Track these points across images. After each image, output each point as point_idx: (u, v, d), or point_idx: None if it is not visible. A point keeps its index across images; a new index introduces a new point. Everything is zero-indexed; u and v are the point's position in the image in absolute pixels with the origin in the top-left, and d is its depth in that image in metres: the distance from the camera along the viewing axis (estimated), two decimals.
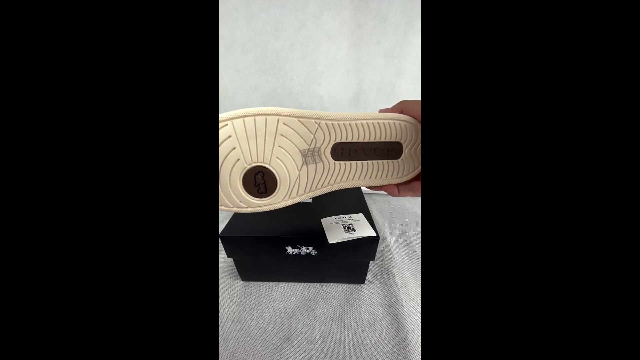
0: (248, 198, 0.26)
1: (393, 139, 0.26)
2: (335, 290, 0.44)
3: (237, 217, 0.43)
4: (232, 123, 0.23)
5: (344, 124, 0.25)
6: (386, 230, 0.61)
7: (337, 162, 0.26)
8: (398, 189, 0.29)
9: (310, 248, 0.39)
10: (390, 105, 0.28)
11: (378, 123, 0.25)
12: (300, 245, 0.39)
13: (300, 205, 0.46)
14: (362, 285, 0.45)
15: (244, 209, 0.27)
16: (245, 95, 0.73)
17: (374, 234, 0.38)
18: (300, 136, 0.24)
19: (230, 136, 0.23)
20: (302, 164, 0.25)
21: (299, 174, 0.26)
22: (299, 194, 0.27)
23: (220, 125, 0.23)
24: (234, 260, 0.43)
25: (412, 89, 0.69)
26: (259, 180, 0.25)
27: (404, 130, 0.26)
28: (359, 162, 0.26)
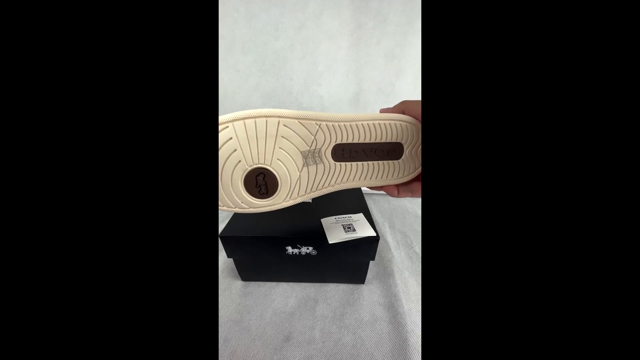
0: (249, 199, 0.27)
1: (394, 140, 0.26)
2: (335, 290, 0.44)
3: (237, 217, 0.43)
4: (233, 125, 0.23)
5: (344, 125, 0.25)
6: (386, 230, 0.61)
7: (338, 163, 0.26)
8: (398, 189, 0.29)
9: (310, 248, 0.39)
10: (390, 105, 0.28)
11: (379, 124, 0.25)
12: (300, 245, 0.39)
13: (300, 205, 0.46)
14: (362, 285, 0.45)
15: (245, 210, 0.27)
16: (245, 95, 0.73)
17: (374, 234, 0.38)
18: (301, 138, 0.24)
19: (231, 138, 0.23)
20: (303, 165, 0.26)
21: (299, 175, 0.26)
22: (299, 194, 0.28)
23: (220, 127, 0.23)
24: (234, 260, 0.43)
25: (412, 89, 0.69)
26: (260, 182, 0.26)
27: (405, 130, 0.26)
28: (360, 163, 0.27)
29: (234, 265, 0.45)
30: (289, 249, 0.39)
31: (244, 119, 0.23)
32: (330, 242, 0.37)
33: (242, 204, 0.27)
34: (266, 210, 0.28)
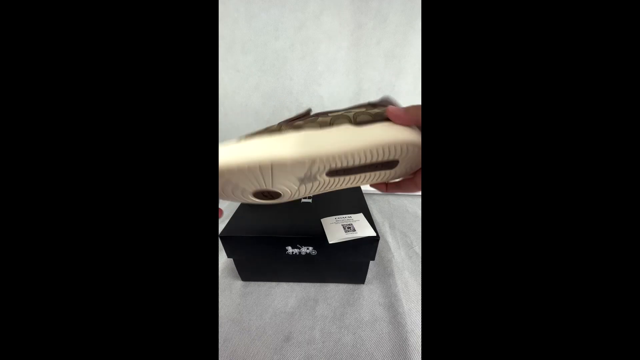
0: (256, 200, 0.29)
1: (391, 159, 0.26)
2: (335, 290, 0.44)
3: (237, 217, 0.43)
4: (229, 173, 0.23)
5: (340, 156, 0.24)
6: (386, 230, 0.61)
7: (333, 178, 0.27)
8: (386, 187, 0.31)
9: (310, 248, 0.39)
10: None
11: (377, 150, 0.24)
12: (300, 245, 0.39)
13: (300, 205, 0.46)
14: (362, 285, 0.45)
15: (248, 202, 0.30)
16: (245, 95, 0.74)
17: (374, 234, 0.38)
18: (296, 172, 0.25)
19: (230, 179, 0.24)
20: (300, 184, 0.27)
21: (298, 188, 0.28)
22: (300, 196, 0.30)
23: (219, 172, 0.23)
24: (234, 260, 0.43)
25: (412, 89, 0.69)
26: (265, 193, 0.28)
27: (405, 151, 0.25)
28: (354, 176, 0.28)
29: (234, 265, 0.45)
30: (289, 249, 0.39)
31: (238, 166, 0.23)
32: (330, 242, 0.37)
33: (248, 201, 0.29)
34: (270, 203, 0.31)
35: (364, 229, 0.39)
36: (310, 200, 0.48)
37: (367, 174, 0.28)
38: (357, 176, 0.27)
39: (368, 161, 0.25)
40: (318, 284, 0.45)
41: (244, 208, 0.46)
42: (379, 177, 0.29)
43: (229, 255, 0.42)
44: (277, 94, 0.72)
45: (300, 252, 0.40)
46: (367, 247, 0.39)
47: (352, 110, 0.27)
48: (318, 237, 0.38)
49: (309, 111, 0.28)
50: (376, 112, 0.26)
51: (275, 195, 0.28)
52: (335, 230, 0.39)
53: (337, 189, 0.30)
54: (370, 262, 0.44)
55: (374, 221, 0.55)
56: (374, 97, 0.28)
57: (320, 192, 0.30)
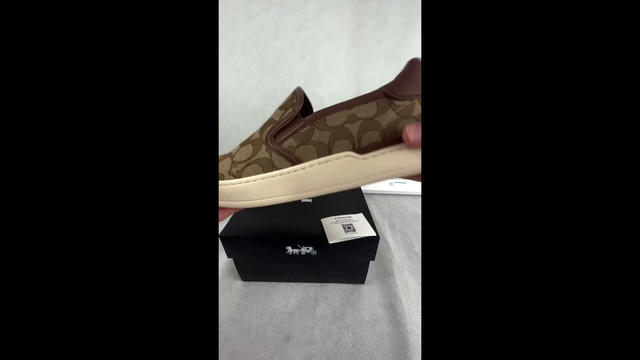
0: None
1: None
2: (335, 290, 0.44)
3: (237, 217, 0.43)
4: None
5: (339, 189, 0.23)
6: (386, 230, 0.61)
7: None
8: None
9: (310, 248, 0.39)
10: None
11: (387, 177, 0.22)
12: (300, 245, 0.39)
13: (300, 205, 0.46)
14: (362, 285, 0.45)
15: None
16: (245, 95, 0.74)
17: (374, 234, 0.38)
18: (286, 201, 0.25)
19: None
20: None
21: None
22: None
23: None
24: (234, 260, 0.43)
25: None
26: None
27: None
28: None
29: (234, 265, 0.45)
30: (289, 249, 0.39)
31: (234, 209, 0.25)
32: (330, 242, 0.37)
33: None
34: None
35: (364, 229, 0.39)
36: (310, 201, 0.48)
37: None
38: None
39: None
40: (318, 284, 0.45)
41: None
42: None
43: (229, 255, 0.42)
44: (277, 94, 0.72)
45: (300, 252, 0.40)
46: (367, 247, 0.39)
47: (357, 116, 0.21)
48: (318, 237, 0.38)
49: (297, 116, 0.22)
50: (390, 121, 0.20)
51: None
52: (335, 230, 0.39)
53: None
54: (370, 262, 0.44)
55: (374, 221, 0.55)
56: None
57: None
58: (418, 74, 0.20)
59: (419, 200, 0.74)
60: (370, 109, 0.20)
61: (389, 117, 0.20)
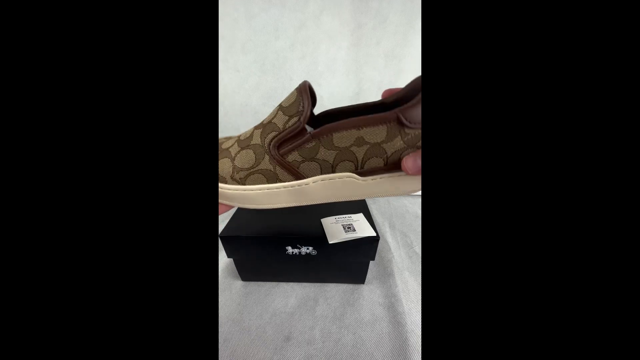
0: None
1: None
2: (335, 290, 0.44)
3: (237, 217, 0.43)
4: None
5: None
6: (386, 230, 0.61)
7: None
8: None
9: (310, 248, 0.39)
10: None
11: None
12: (300, 245, 0.39)
13: (300, 206, 0.46)
14: (362, 285, 0.45)
15: None
16: (245, 95, 0.73)
17: (374, 234, 0.38)
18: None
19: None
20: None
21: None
22: None
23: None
24: (234, 260, 0.43)
25: None
26: None
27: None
28: None
29: (234, 265, 0.45)
30: (289, 249, 0.39)
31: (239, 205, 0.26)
32: (330, 242, 0.37)
33: None
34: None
35: (364, 229, 0.39)
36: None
37: None
38: None
39: None
40: (318, 284, 0.45)
41: (244, 208, 0.46)
42: None
43: (229, 255, 0.42)
44: (277, 94, 0.72)
45: (300, 252, 0.40)
46: (367, 247, 0.39)
47: (365, 140, 0.20)
48: (318, 237, 0.38)
49: (303, 129, 0.21)
50: (396, 149, 0.20)
51: None
52: (335, 230, 0.39)
53: None
54: (370, 262, 0.44)
55: (374, 221, 0.55)
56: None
57: None
58: None
59: (419, 200, 0.74)
60: (379, 134, 0.20)
61: (396, 145, 0.20)
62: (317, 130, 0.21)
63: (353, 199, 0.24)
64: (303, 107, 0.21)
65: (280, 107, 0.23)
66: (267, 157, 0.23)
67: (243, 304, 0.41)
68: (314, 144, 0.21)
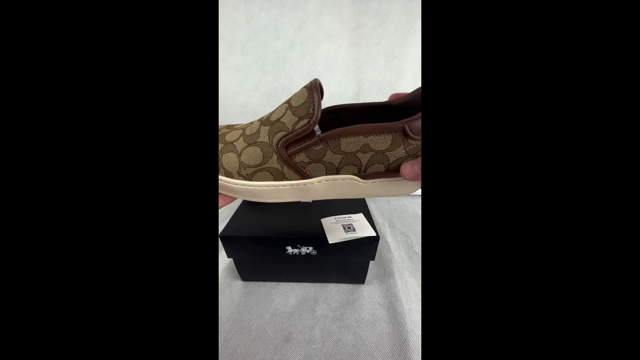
0: None
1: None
2: (335, 290, 0.44)
3: (237, 217, 0.43)
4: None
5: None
6: (386, 230, 0.61)
7: None
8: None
9: (310, 248, 0.39)
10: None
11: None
12: (300, 245, 0.39)
13: (300, 205, 0.46)
14: (362, 285, 0.45)
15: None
16: (245, 95, 0.74)
17: (374, 234, 0.38)
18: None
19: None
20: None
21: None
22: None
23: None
24: (234, 260, 0.43)
25: (412, 89, 0.69)
26: None
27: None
28: None
29: (234, 265, 0.45)
30: (289, 249, 0.39)
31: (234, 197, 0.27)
32: (330, 242, 0.37)
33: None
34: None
35: (364, 229, 0.39)
36: (310, 200, 0.48)
37: None
38: None
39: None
40: (318, 284, 0.45)
41: (244, 208, 0.46)
42: None
43: (229, 255, 0.42)
44: (277, 94, 0.72)
45: (300, 252, 0.40)
46: (367, 247, 0.39)
47: (371, 147, 0.21)
48: (318, 237, 0.38)
49: (313, 132, 0.22)
50: (398, 157, 0.22)
51: None
52: (335, 230, 0.39)
53: None
54: (370, 262, 0.44)
55: (374, 221, 0.55)
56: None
57: None
58: None
59: (419, 200, 0.74)
60: (384, 142, 0.21)
61: (398, 154, 0.22)
62: (326, 134, 0.22)
63: (353, 197, 0.25)
64: (314, 110, 0.21)
65: (290, 106, 0.22)
66: (274, 156, 0.23)
67: (243, 304, 0.41)
68: (321, 146, 0.22)
